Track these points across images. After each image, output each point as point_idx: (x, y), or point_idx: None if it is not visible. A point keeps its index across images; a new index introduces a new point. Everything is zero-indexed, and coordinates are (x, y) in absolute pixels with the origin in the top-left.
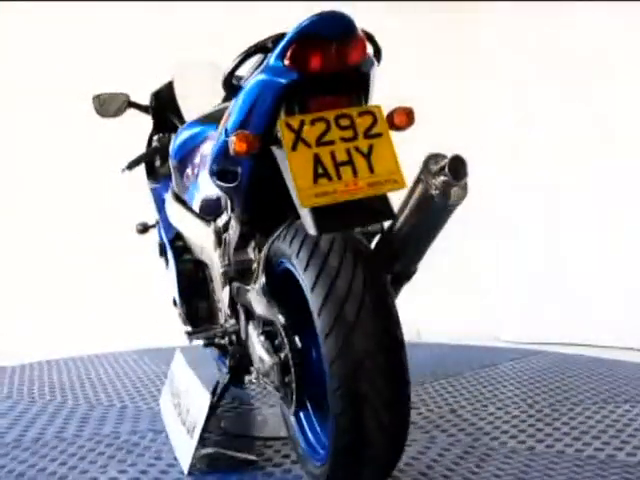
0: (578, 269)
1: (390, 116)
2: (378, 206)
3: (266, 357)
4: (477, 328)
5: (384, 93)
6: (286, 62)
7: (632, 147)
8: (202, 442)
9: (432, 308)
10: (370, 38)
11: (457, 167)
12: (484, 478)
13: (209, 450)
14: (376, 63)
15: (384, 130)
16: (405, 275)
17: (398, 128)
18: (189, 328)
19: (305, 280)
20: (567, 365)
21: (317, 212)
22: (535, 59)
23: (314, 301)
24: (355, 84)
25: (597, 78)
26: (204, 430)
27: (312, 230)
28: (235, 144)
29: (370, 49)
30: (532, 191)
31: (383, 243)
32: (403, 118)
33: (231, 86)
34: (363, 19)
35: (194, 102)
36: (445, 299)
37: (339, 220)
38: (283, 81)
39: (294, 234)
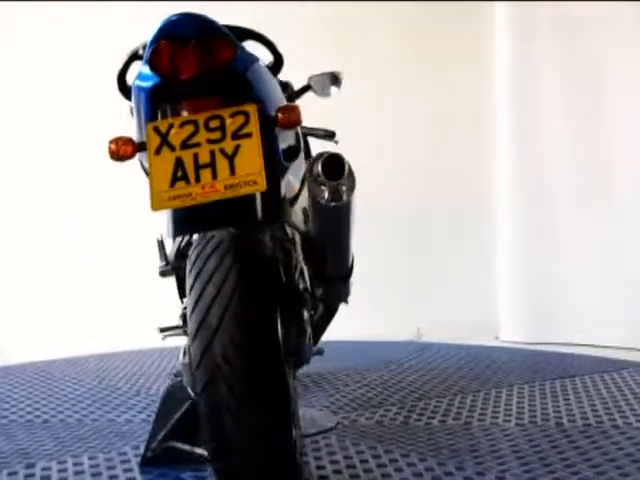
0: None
1: (276, 115)
2: (240, 208)
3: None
4: (477, 328)
5: None
6: (149, 67)
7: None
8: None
9: (433, 308)
10: (267, 43)
11: (332, 167)
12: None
13: (166, 443)
14: (260, 62)
15: (254, 130)
16: (338, 278)
17: (285, 127)
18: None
19: (187, 283)
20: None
21: (175, 215)
22: None
23: (188, 305)
24: (227, 85)
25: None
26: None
27: (168, 233)
28: (108, 149)
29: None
30: (532, 189)
31: (306, 249)
32: (288, 116)
33: (126, 91)
34: None
35: None
36: (445, 299)
37: (196, 223)
38: (148, 86)
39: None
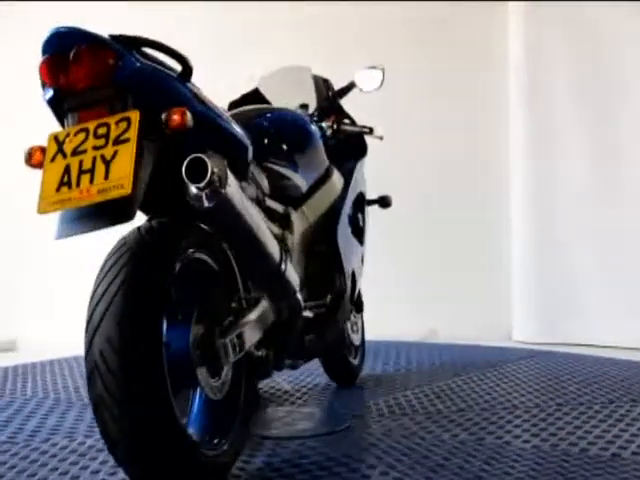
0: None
1: (165, 119)
2: (117, 210)
3: None
4: (490, 329)
5: None
6: (41, 82)
7: None
8: None
9: (447, 309)
10: (167, 50)
11: (194, 170)
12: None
13: None
14: (158, 67)
15: (132, 135)
16: (269, 278)
17: (173, 129)
18: None
19: None
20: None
21: (62, 218)
22: None
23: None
24: (114, 92)
25: None
26: None
27: (53, 236)
28: (24, 156)
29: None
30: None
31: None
32: (174, 119)
33: None
34: None
35: (283, 103)
36: (459, 300)
37: (78, 225)
38: (46, 99)
39: None
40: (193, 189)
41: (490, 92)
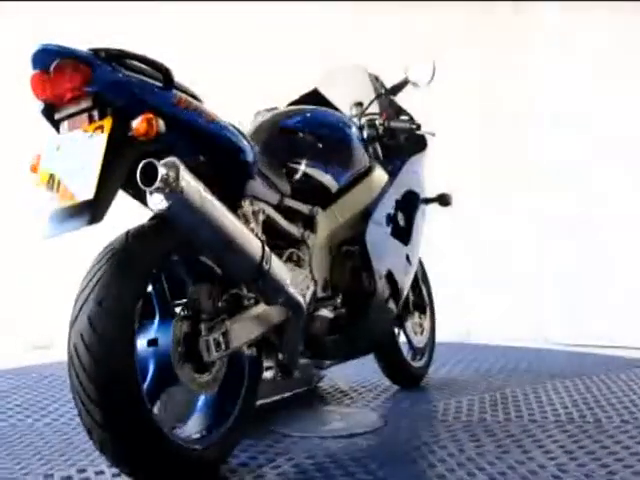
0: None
1: (134, 125)
2: (89, 212)
3: None
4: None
5: None
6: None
7: None
8: None
9: (482, 310)
10: (143, 60)
11: (147, 173)
12: None
13: None
14: (134, 77)
15: (102, 146)
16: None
17: (140, 136)
18: None
19: None
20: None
21: (49, 219)
22: None
23: None
24: (93, 102)
25: None
26: None
27: (42, 236)
28: (30, 165)
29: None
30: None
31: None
32: (140, 125)
33: None
34: None
35: (339, 101)
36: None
37: (59, 226)
38: (40, 109)
39: None
40: (148, 193)
41: None
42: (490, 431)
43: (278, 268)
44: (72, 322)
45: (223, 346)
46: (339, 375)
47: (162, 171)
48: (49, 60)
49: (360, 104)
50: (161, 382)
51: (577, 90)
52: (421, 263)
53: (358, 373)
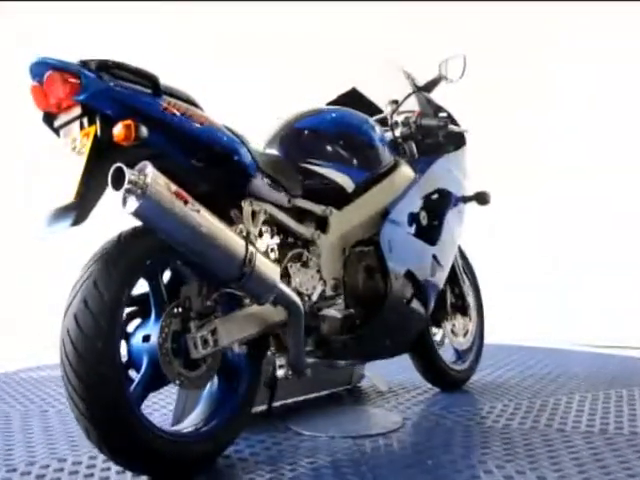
0: None
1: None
2: (71, 214)
3: None
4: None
5: None
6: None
7: None
8: None
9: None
10: (128, 69)
11: (117, 177)
12: None
13: None
14: (118, 85)
15: (86, 150)
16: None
17: (121, 141)
18: None
19: None
20: None
21: (43, 220)
22: None
23: None
24: (82, 110)
25: None
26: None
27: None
28: None
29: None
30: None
31: None
32: (119, 131)
33: None
34: None
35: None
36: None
37: (51, 227)
38: (42, 118)
39: None
40: (119, 196)
41: None
42: (508, 439)
43: (265, 267)
44: (63, 318)
45: (211, 343)
46: (381, 375)
47: (129, 175)
48: (42, 72)
49: (395, 102)
50: (151, 375)
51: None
52: (468, 265)
53: (402, 373)
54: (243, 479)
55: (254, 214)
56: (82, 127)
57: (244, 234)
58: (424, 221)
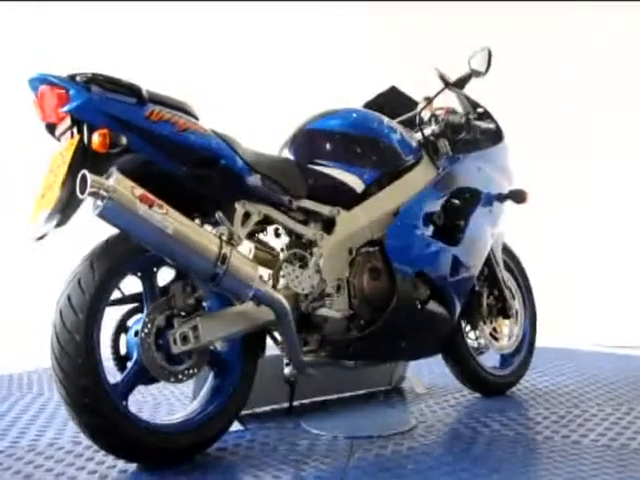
0: None
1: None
2: (54, 217)
3: None
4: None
5: None
6: None
7: None
8: None
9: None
10: (112, 82)
11: (81, 182)
12: None
13: None
14: (92, 95)
15: (68, 158)
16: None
17: (99, 149)
18: None
19: None
20: None
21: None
22: None
23: None
24: (72, 122)
25: None
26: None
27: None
28: None
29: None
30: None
31: None
32: (96, 140)
33: None
34: None
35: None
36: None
37: (35, 230)
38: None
39: None
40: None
41: None
42: (526, 447)
43: (241, 267)
44: (53, 314)
45: (192, 340)
46: (420, 376)
47: (90, 180)
48: (37, 87)
49: (428, 99)
50: (138, 368)
51: None
52: (518, 265)
53: (447, 375)
54: (254, 475)
55: (246, 215)
56: (72, 136)
57: (224, 236)
58: (440, 221)
